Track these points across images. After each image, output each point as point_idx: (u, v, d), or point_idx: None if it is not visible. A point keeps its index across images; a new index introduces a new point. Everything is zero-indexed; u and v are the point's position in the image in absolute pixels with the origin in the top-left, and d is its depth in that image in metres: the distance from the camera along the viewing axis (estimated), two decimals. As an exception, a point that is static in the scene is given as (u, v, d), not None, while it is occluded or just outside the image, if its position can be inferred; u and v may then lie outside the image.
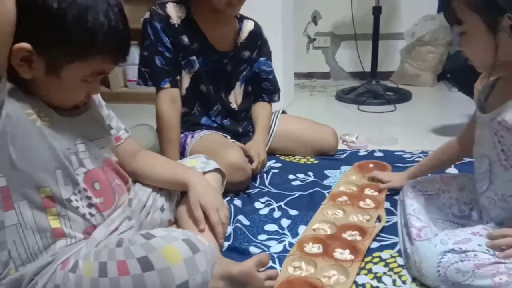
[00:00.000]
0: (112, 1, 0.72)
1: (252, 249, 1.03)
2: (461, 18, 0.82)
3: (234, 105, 1.52)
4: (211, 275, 0.74)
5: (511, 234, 0.81)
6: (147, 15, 1.34)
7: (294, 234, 1.10)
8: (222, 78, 1.47)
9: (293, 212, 1.21)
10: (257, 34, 1.52)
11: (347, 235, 1.04)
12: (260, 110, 1.57)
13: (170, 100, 1.36)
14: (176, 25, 1.34)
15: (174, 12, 1.34)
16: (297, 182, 1.40)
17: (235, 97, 1.52)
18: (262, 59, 1.54)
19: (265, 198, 1.29)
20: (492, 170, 0.88)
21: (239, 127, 1.54)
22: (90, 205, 0.80)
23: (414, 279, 0.89)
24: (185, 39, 1.35)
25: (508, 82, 0.87)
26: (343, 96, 2.61)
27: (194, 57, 1.38)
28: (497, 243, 0.80)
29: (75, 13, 0.68)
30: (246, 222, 1.15)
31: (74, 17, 0.68)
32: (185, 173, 1.02)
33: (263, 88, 1.58)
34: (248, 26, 1.50)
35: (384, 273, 0.92)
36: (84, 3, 0.69)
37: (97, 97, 0.92)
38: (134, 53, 2.63)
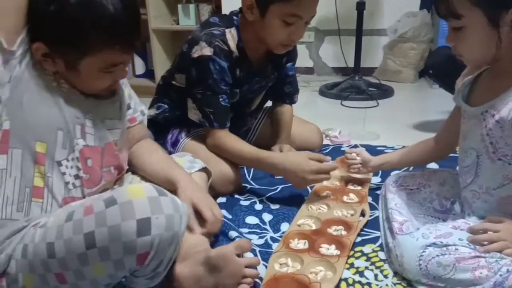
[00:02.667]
0: None
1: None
2: (460, 12, 0.79)
3: (248, 110, 1.49)
4: (182, 233, 0.72)
5: (492, 228, 0.82)
6: (207, 50, 1.18)
7: (276, 230, 1.09)
8: (254, 97, 1.42)
9: (275, 206, 1.20)
10: None
11: (332, 230, 1.04)
12: (283, 115, 1.49)
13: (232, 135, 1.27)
14: (235, 58, 1.23)
15: (232, 43, 1.22)
16: (280, 177, 1.39)
17: (255, 102, 1.49)
18: (289, 64, 1.46)
19: (247, 194, 1.28)
20: (479, 163, 0.88)
21: (241, 129, 1.51)
22: (77, 177, 0.80)
23: (395, 273, 0.89)
24: (237, 72, 1.26)
25: (496, 75, 0.88)
26: (326, 91, 2.61)
27: (238, 90, 1.29)
28: (478, 238, 0.81)
29: (68, 14, 0.71)
30: (229, 216, 1.14)
31: (68, 17, 0.71)
32: (175, 171, 0.99)
33: (285, 91, 1.50)
34: None
35: (366, 268, 0.92)
36: (77, 3, 0.70)
37: None
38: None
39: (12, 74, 0.72)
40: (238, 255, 0.82)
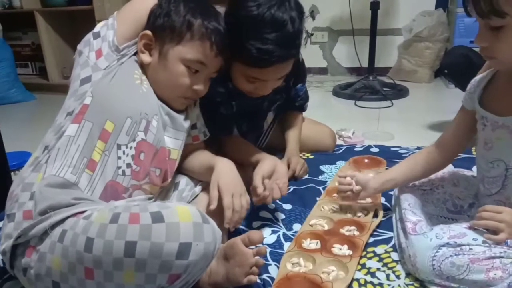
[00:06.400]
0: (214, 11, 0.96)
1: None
2: (505, 10, 0.72)
3: (262, 123, 1.49)
4: (212, 259, 0.74)
5: (495, 210, 0.82)
6: None
7: (288, 229, 1.09)
8: (257, 116, 1.42)
9: (287, 206, 1.20)
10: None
11: (345, 230, 1.04)
12: (293, 124, 1.48)
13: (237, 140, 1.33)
14: (224, 71, 1.20)
15: None
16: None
17: (266, 122, 1.49)
18: (299, 86, 1.43)
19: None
20: (507, 176, 0.86)
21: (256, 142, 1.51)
22: (129, 165, 0.86)
23: (408, 274, 0.89)
24: (230, 84, 1.24)
25: None
26: (340, 91, 2.60)
27: (234, 102, 1.29)
28: (482, 215, 0.83)
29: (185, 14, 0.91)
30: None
31: (182, 14, 0.91)
32: (215, 158, 1.02)
33: (296, 105, 1.49)
34: None
35: (378, 269, 0.91)
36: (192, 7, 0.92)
37: None
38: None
39: (109, 64, 0.88)
40: (248, 246, 0.82)
